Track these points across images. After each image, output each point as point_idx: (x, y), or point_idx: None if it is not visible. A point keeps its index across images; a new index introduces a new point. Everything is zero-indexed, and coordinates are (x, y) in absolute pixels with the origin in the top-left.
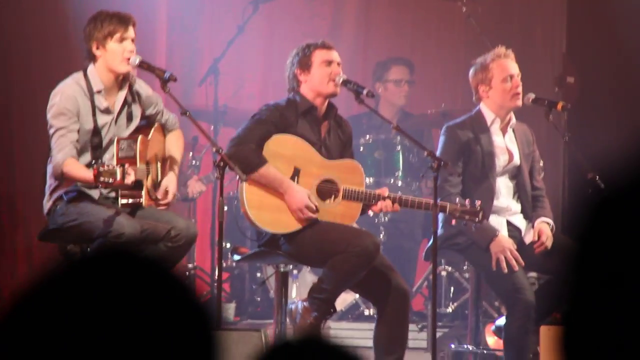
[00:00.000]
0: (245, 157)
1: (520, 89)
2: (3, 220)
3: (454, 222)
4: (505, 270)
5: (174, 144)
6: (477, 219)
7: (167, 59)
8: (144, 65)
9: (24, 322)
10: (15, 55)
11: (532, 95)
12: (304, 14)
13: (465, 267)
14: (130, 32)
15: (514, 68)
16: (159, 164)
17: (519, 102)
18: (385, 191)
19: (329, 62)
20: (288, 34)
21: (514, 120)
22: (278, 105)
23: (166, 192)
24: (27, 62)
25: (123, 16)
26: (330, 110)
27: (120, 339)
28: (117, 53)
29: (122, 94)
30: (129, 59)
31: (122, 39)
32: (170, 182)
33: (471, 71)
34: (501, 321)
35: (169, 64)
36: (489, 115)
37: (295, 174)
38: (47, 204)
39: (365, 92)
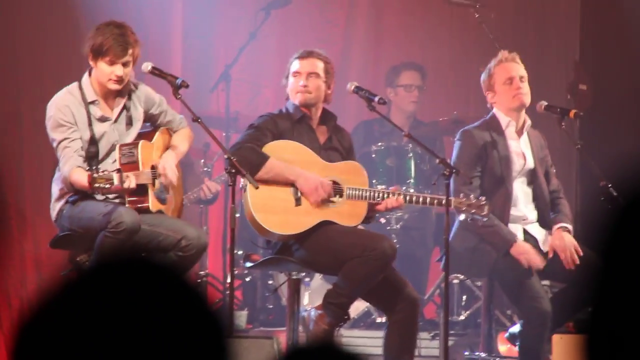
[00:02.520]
0: (248, 157)
1: (522, 91)
2: (12, 227)
3: (462, 216)
4: (531, 264)
5: (179, 137)
6: (483, 212)
7: (183, 66)
8: (155, 72)
9: (39, 331)
10: (26, 62)
11: (544, 103)
12: (318, 21)
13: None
14: (125, 57)
15: (515, 70)
16: None
17: (523, 100)
18: (395, 188)
19: (298, 73)
20: (302, 40)
21: (529, 122)
22: (272, 115)
23: (163, 169)
24: (37, 69)
25: (119, 39)
26: (326, 118)
27: (133, 347)
28: (104, 74)
29: (121, 99)
30: (119, 80)
31: (112, 62)
32: (165, 159)
33: (481, 79)
34: (515, 328)
35: (184, 71)
36: (503, 118)
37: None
38: (53, 211)
39: (377, 99)
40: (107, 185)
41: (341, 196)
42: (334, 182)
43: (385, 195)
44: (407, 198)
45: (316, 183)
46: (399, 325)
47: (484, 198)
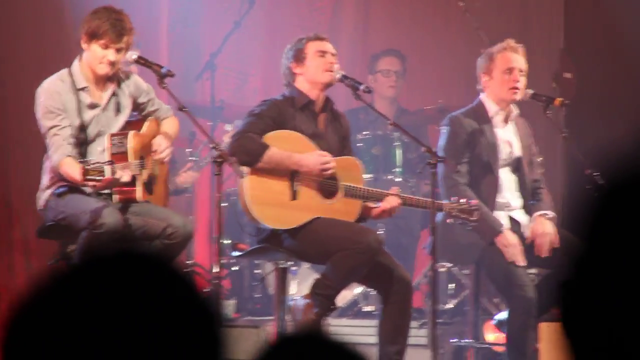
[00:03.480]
0: (248, 146)
1: (519, 84)
2: (0, 215)
3: (449, 220)
4: (513, 260)
5: (167, 125)
6: (472, 217)
7: (169, 55)
8: (141, 61)
9: (28, 321)
10: (9, 49)
11: (530, 91)
12: (304, 9)
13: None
14: (121, 43)
15: (517, 61)
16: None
17: (516, 97)
18: (395, 190)
19: (323, 53)
20: (288, 28)
21: (515, 111)
22: (275, 101)
23: (159, 146)
24: (21, 57)
25: (116, 24)
26: (327, 103)
27: (123, 337)
28: (96, 57)
29: (110, 86)
30: (110, 65)
31: (106, 46)
32: (160, 138)
33: (479, 60)
34: (502, 315)
35: (171, 60)
36: (491, 106)
37: (296, 171)
38: (40, 200)
39: (362, 87)
40: (99, 177)
41: (336, 194)
42: (332, 177)
43: (383, 195)
44: (402, 200)
45: (317, 165)
46: (392, 307)
47: (474, 202)
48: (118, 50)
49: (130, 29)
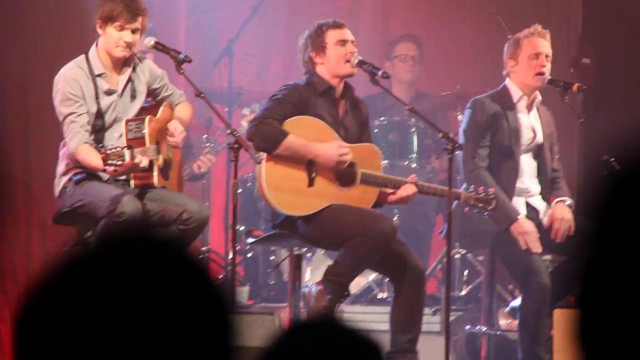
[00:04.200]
0: (267, 133)
1: (545, 69)
2: (18, 202)
3: (467, 209)
4: (528, 247)
5: (181, 110)
6: (490, 207)
7: (186, 41)
8: (158, 47)
9: (42, 310)
10: (28, 37)
11: (547, 77)
12: None
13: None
14: (134, 23)
15: (543, 47)
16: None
17: (540, 83)
18: (412, 177)
19: (344, 42)
20: (308, 13)
21: (539, 97)
22: (297, 86)
23: (174, 129)
24: (43, 44)
25: (131, 5)
26: (347, 90)
27: (137, 322)
28: (113, 40)
29: (126, 72)
30: (128, 46)
31: (122, 28)
32: (175, 122)
33: (506, 45)
34: (516, 302)
35: (188, 46)
36: (515, 91)
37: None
38: (57, 187)
39: (380, 73)
40: (119, 162)
41: (354, 181)
42: (350, 164)
43: (400, 183)
44: (419, 188)
45: (334, 156)
46: (405, 295)
47: (492, 191)
48: (134, 32)
49: (144, 9)
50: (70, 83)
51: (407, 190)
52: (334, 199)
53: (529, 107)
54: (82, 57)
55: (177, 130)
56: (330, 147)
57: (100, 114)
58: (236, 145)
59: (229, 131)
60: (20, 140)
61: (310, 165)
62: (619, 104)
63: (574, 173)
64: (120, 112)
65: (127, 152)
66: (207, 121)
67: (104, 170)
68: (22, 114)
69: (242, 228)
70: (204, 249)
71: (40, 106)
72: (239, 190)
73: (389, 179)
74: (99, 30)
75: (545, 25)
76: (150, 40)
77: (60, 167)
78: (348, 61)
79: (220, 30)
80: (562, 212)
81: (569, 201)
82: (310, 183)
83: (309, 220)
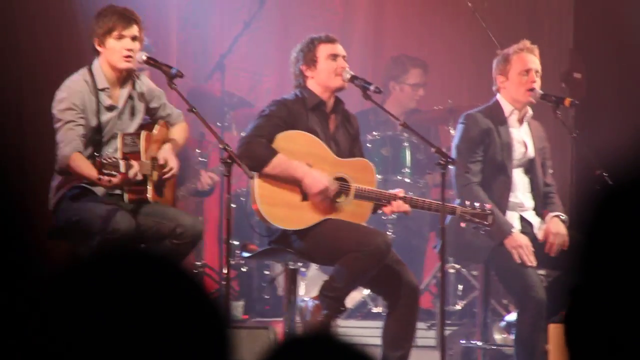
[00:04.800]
0: (256, 152)
1: (535, 85)
2: (14, 217)
3: (462, 224)
4: (522, 261)
5: (176, 132)
6: (486, 222)
7: (178, 56)
8: (150, 62)
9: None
10: (26, 52)
11: (539, 92)
12: (316, 9)
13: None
14: (132, 30)
15: (533, 63)
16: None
17: (532, 99)
18: (400, 192)
19: (335, 56)
20: (301, 28)
21: (530, 112)
22: (286, 101)
23: (164, 161)
24: (37, 59)
25: (124, 13)
26: (337, 104)
27: (132, 337)
28: (115, 51)
29: (126, 89)
30: (129, 57)
31: (120, 37)
32: (165, 151)
33: (495, 61)
34: (511, 317)
35: (180, 61)
36: (506, 106)
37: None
38: (51, 201)
39: (372, 88)
40: (114, 172)
41: (347, 195)
42: (343, 180)
43: (393, 198)
44: (414, 203)
45: (322, 186)
46: (399, 312)
47: (489, 207)
48: (133, 39)
49: (138, 16)
50: (76, 94)
51: (400, 207)
52: (329, 214)
53: (520, 122)
54: (85, 69)
55: (168, 161)
56: (320, 176)
57: (99, 129)
58: (229, 160)
59: (221, 146)
60: (15, 154)
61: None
62: (611, 119)
63: (568, 187)
64: (119, 129)
65: (122, 163)
66: (199, 136)
67: (99, 180)
68: (16, 129)
69: (236, 243)
70: (198, 263)
71: (34, 121)
72: (233, 205)
73: (382, 193)
74: (100, 48)
75: (537, 41)
76: (141, 56)
77: (55, 181)
78: (339, 75)
79: (212, 45)
80: (556, 226)
81: (563, 216)
82: (304, 197)
83: (303, 235)
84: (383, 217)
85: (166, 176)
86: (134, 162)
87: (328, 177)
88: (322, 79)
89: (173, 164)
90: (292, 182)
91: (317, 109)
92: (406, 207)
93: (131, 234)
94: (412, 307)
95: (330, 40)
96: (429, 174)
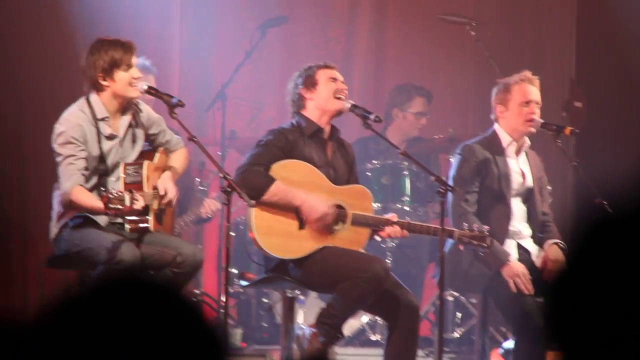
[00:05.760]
0: (253, 180)
1: (534, 117)
2: (15, 245)
3: (461, 247)
4: (519, 290)
5: (176, 159)
6: (484, 244)
7: (180, 85)
8: (151, 91)
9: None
10: (26, 80)
11: (540, 120)
12: (319, 38)
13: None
14: (135, 58)
15: (534, 94)
16: None
17: (531, 129)
18: (394, 217)
19: (334, 79)
20: (303, 58)
21: (528, 142)
22: (283, 130)
23: (164, 191)
24: (38, 87)
25: (125, 44)
26: (333, 132)
27: None
28: (125, 82)
29: (127, 117)
30: (137, 83)
31: (128, 67)
32: (164, 180)
33: (494, 89)
34: (509, 344)
35: (182, 90)
36: (504, 137)
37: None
38: (53, 230)
39: (372, 117)
40: (120, 207)
41: (345, 222)
42: (339, 207)
43: (390, 224)
44: (412, 227)
45: (319, 213)
46: (400, 333)
47: (487, 229)
48: (136, 66)
49: (135, 46)
50: (74, 127)
51: (396, 232)
52: (326, 241)
53: (518, 152)
54: (83, 100)
55: (167, 190)
56: (318, 202)
57: (102, 158)
58: (229, 189)
59: (221, 175)
60: (15, 183)
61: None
62: (612, 148)
63: (568, 216)
64: (121, 158)
65: (127, 197)
66: (200, 164)
67: (106, 214)
68: (16, 156)
69: (235, 271)
70: (197, 291)
71: (34, 149)
72: (232, 234)
73: (380, 220)
74: (104, 83)
75: (539, 70)
76: (143, 85)
77: (56, 210)
78: (338, 98)
79: (213, 75)
80: (555, 253)
81: (562, 244)
82: (301, 226)
83: (300, 263)
84: (382, 245)
85: (165, 205)
86: (138, 196)
87: (326, 202)
88: (322, 101)
89: (172, 194)
90: (289, 210)
91: (315, 136)
92: (404, 234)
93: (136, 265)
94: (412, 328)
95: (328, 66)
96: (429, 203)
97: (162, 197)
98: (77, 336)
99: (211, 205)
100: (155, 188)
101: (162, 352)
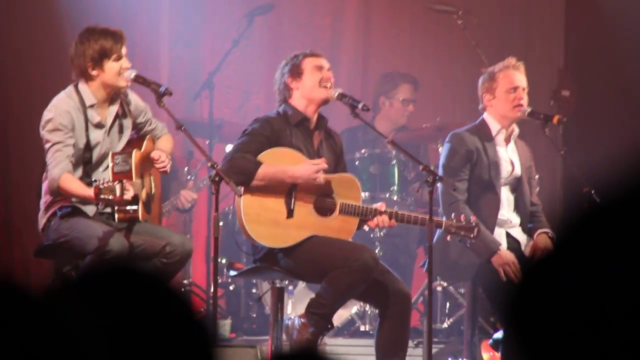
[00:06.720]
0: (240, 166)
1: (523, 102)
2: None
3: (448, 238)
4: (509, 278)
5: (163, 143)
6: (472, 234)
7: (169, 74)
8: (139, 80)
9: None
10: (12, 71)
11: (527, 109)
12: (305, 26)
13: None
14: (125, 48)
15: (520, 80)
16: (152, 177)
17: (519, 114)
18: (382, 206)
19: (320, 68)
20: (289, 46)
21: (517, 131)
22: (269, 118)
23: (159, 156)
24: (23, 78)
25: (116, 33)
26: (321, 121)
27: (120, 355)
28: (114, 71)
29: (114, 107)
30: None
31: (119, 57)
32: (157, 152)
33: (480, 79)
34: (498, 334)
35: (171, 79)
36: (493, 125)
37: (292, 188)
38: (41, 220)
39: (360, 106)
40: (110, 197)
41: (333, 211)
42: (328, 195)
43: (378, 214)
44: (400, 217)
45: (311, 172)
46: (391, 320)
47: (474, 219)
48: (126, 56)
49: (125, 35)
50: (63, 114)
51: (384, 222)
52: (314, 230)
53: (507, 140)
54: (71, 88)
55: (161, 157)
56: (304, 166)
57: (88, 147)
58: (217, 178)
59: (209, 164)
60: (0, 175)
61: (289, 196)
62: (599, 136)
63: (556, 205)
64: (108, 147)
65: (117, 187)
66: (188, 154)
67: (96, 203)
68: (1, 147)
69: (224, 261)
70: (186, 282)
71: (20, 140)
72: (221, 223)
73: (368, 209)
74: (93, 72)
75: (528, 59)
76: (131, 73)
77: (44, 200)
78: (324, 87)
79: (201, 63)
80: (544, 242)
81: (551, 233)
82: (290, 214)
83: (289, 253)
84: (371, 236)
85: (161, 166)
86: (129, 186)
87: (312, 165)
88: (307, 91)
89: (166, 157)
90: (278, 198)
91: (301, 125)
92: (392, 224)
93: (124, 255)
94: (404, 314)
95: (315, 54)
96: (417, 191)
97: (155, 161)
98: (65, 326)
99: (187, 196)
100: (142, 177)
101: (150, 343)
